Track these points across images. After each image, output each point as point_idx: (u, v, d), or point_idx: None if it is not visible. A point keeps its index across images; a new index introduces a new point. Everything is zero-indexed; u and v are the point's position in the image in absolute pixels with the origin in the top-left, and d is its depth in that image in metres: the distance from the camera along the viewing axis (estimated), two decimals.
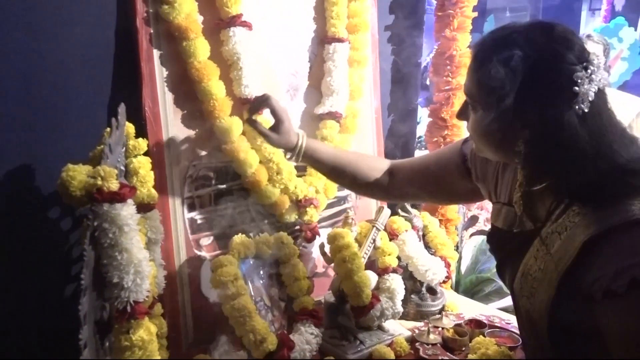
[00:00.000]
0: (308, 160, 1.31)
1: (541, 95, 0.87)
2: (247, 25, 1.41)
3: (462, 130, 1.86)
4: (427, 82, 2.58)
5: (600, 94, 0.88)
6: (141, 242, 0.92)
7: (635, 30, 5.51)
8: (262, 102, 1.28)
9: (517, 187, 0.99)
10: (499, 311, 1.68)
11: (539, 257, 0.95)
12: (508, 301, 2.11)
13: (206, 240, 1.43)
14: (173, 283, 1.35)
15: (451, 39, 1.82)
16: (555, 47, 0.87)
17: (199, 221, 1.41)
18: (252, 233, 1.44)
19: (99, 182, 0.87)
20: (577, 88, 0.85)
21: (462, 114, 1.01)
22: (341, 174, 1.30)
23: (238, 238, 1.36)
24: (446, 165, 1.23)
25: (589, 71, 0.86)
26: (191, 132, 1.40)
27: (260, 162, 1.44)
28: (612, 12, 6.11)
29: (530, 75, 0.86)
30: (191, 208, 1.40)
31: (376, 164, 1.33)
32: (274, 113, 1.27)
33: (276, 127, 1.27)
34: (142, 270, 0.89)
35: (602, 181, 0.88)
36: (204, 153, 1.42)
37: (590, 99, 0.86)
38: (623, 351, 0.84)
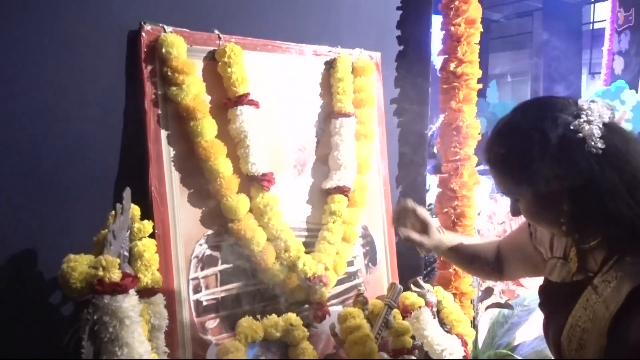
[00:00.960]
0: (442, 253, 1.35)
1: (558, 160, 0.93)
2: (254, 103, 1.42)
3: (472, 201, 1.84)
4: (435, 150, 2.59)
5: (611, 127, 0.94)
6: (143, 335, 0.87)
7: (637, 92, 5.59)
8: (405, 211, 1.30)
9: (573, 243, 1.06)
10: None
11: (588, 306, 0.97)
12: None
13: (212, 323, 1.37)
14: None
15: (457, 111, 1.82)
16: (545, 119, 0.95)
17: (204, 303, 1.37)
18: (260, 315, 1.38)
19: (101, 273, 0.84)
20: (580, 134, 0.92)
21: (515, 212, 1.07)
22: (469, 264, 1.37)
23: (245, 321, 1.31)
24: (524, 238, 1.27)
25: (583, 116, 0.94)
26: (198, 211, 1.38)
27: (268, 239, 1.41)
28: (612, 76, 6.23)
29: (541, 153, 0.94)
30: (197, 289, 1.36)
31: (490, 247, 1.36)
32: (420, 217, 1.29)
33: (425, 230, 1.30)
34: None
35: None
36: (210, 232, 1.39)
37: (598, 135, 0.93)
38: None
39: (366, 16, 1.81)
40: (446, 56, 1.85)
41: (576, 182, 0.93)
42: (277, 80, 1.55)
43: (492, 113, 7.61)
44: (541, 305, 1.16)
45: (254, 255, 1.40)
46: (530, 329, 2.12)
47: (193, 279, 1.35)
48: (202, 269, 1.37)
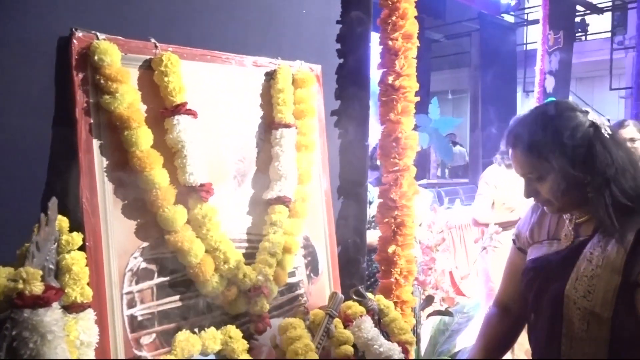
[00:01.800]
0: None
1: (584, 143, 1.21)
2: (191, 113, 1.40)
3: (411, 211, 1.87)
4: (378, 163, 2.63)
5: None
6: (67, 351, 0.83)
7: None
8: None
9: (568, 223, 1.32)
10: None
11: (593, 258, 1.21)
12: None
13: (147, 339, 1.32)
14: None
15: (396, 122, 1.87)
16: (568, 110, 1.26)
17: (139, 318, 1.32)
18: (198, 328, 1.34)
19: (20, 286, 0.80)
20: (596, 122, 1.24)
21: (531, 192, 1.30)
22: (498, 356, 1.51)
23: (181, 335, 1.27)
24: (517, 262, 1.48)
25: (590, 113, 1.27)
26: (132, 223, 1.34)
27: (206, 251, 1.39)
28: (544, 94, 6.56)
29: (572, 137, 1.21)
30: (131, 304, 1.31)
31: (497, 324, 1.51)
32: None
33: None
34: None
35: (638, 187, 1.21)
36: (145, 244, 1.35)
37: (608, 125, 1.25)
38: None
39: (307, 29, 1.83)
40: (385, 70, 1.89)
41: (597, 157, 1.20)
42: (217, 91, 1.54)
43: (434, 128, 7.84)
44: (529, 283, 1.36)
45: (191, 268, 1.36)
46: (470, 336, 2.17)
47: (127, 293, 1.30)
48: (137, 282, 1.32)
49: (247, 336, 1.44)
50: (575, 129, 1.22)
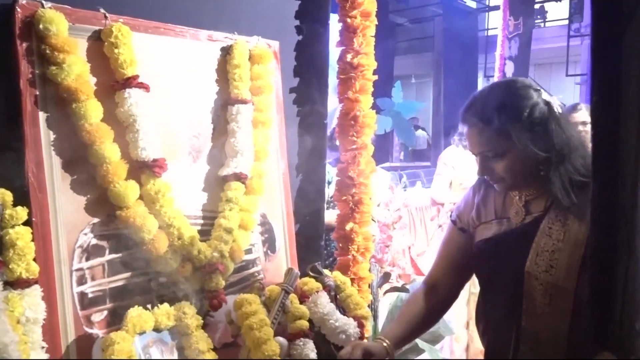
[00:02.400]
0: (397, 348, 1.47)
1: (540, 120, 1.23)
2: (143, 86, 1.37)
3: (369, 189, 1.89)
4: (337, 143, 2.64)
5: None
6: (7, 324, 0.81)
7: None
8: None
9: (517, 200, 1.33)
10: None
11: (553, 233, 1.23)
12: (424, 357, 2.10)
13: (99, 316, 1.30)
14: None
15: (354, 101, 1.87)
16: (525, 88, 1.26)
17: (90, 295, 1.29)
18: (151, 305, 1.33)
19: None
20: (549, 101, 1.25)
21: (485, 170, 1.29)
22: (418, 333, 1.54)
23: (134, 311, 1.26)
24: (457, 243, 1.47)
25: (541, 90, 1.27)
26: (82, 199, 1.31)
27: (160, 227, 1.37)
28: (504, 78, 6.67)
29: (530, 114, 1.22)
30: (81, 281, 1.28)
31: (422, 301, 1.49)
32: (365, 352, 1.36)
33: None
34: (8, 357, 0.78)
35: (586, 163, 1.21)
36: (96, 220, 1.32)
37: (559, 104, 1.26)
38: None
39: (264, 5, 1.80)
40: (343, 47, 1.89)
41: (552, 135, 1.22)
42: (170, 65, 1.50)
43: (397, 112, 7.91)
44: (482, 264, 1.38)
45: (144, 244, 1.34)
46: None
47: (77, 270, 1.27)
48: (88, 259, 1.30)
49: (203, 313, 1.44)
50: (534, 107, 1.23)
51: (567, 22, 9.91)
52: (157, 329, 1.29)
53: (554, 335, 1.23)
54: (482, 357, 3.00)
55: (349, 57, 1.86)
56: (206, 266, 1.43)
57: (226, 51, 1.63)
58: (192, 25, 1.56)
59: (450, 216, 1.51)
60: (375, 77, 1.91)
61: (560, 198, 1.22)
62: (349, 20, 1.85)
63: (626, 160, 0.67)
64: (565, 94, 11.41)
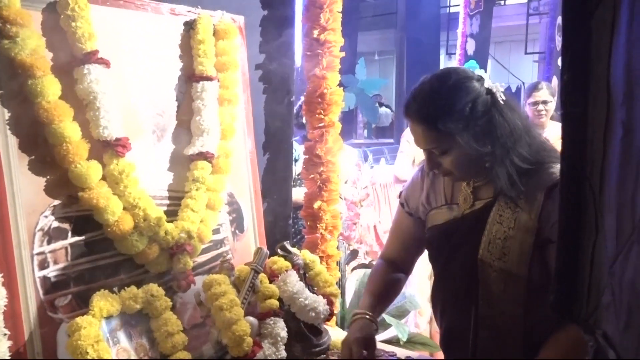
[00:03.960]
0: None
1: (484, 111, 1.20)
2: (104, 62, 1.31)
3: (336, 167, 1.89)
4: (304, 121, 2.62)
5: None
6: None
7: (486, 71, 6.15)
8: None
9: (465, 187, 1.32)
10: (382, 344, 1.69)
11: (504, 220, 1.24)
12: (391, 332, 2.14)
13: (63, 300, 1.27)
14: (23, 353, 1.17)
15: (321, 78, 1.85)
16: (465, 81, 1.21)
17: (53, 279, 1.25)
18: (117, 288, 1.30)
19: None
20: (492, 90, 1.21)
21: (432, 165, 1.28)
22: (385, 304, 1.53)
23: (99, 295, 1.23)
24: (405, 224, 1.49)
25: (485, 80, 1.23)
26: (41, 180, 1.25)
27: (125, 208, 1.33)
28: (466, 56, 6.74)
29: (472, 107, 1.19)
30: (43, 265, 1.24)
31: (382, 275, 1.52)
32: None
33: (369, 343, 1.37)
34: None
35: (533, 153, 1.22)
36: (57, 202, 1.28)
37: (502, 91, 1.22)
38: None
39: None
40: (309, 23, 1.86)
41: (496, 126, 1.20)
42: (131, 40, 1.45)
43: (360, 89, 7.89)
44: (436, 252, 1.39)
45: (109, 226, 1.31)
46: None
47: (38, 254, 1.23)
48: (49, 242, 1.25)
49: (171, 294, 1.42)
50: (475, 101, 1.19)
51: (526, 0, 10.05)
52: (124, 312, 1.26)
53: (510, 319, 1.24)
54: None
55: (315, 33, 1.84)
56: (174, 247, 1.41)
57: (190, 26, 1.58)
58: None
59: (399, 197, 1.52)
60: (343, 54, 1.90)
61: (506, 190, 1.22)
62: None
63: (594, 139, 0.68)
64: (524, 71, 11.65)
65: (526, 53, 9.66)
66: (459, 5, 7.17)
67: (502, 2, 11.30)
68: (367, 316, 1.40)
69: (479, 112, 1.19)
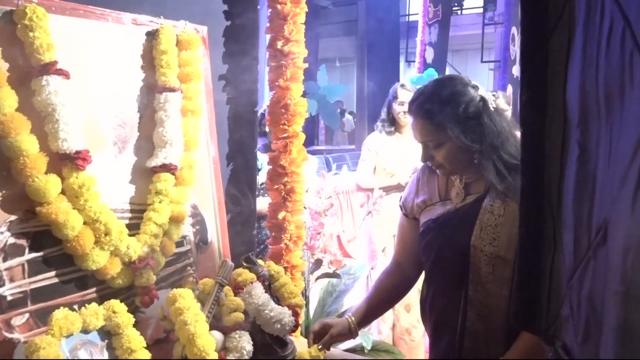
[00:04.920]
0: (366, 323, 1.64)
1: (476, 113, 1.36)
2: (63, 73, 1.28)
3: (301, 177, 1.90)
4: (266, 129, 2.62)
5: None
6: None
7: None
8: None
9: (458, 183, 1.45)
10: (345, 353, 1.70)
11: (495, 209, 1.37)
12: (356, 340, 2.15)
13: (20, 319, 1.22)
14: None
15: (285, 89, 1.86)
16: (463, 86, 1.40)
17: (9, 298, 1.21)
18: (78, 305, 1.27)
19: None
20: (485, 97, 1.38)
21: (427, 157, 1.43)
22: (385, 308, 1.70)
23: (59, 313, 1.19)
24: (407, 228, 1.60)
25: (479, 88, 1.40)
26: None
27: (85, 223, 1.30)
28: (425, 64, 6.88)
29: (466, 108, 1.35)
30: None
31: (389, 278, 1.62)
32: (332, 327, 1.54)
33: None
34: None
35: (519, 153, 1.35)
36: (13, 218, 1.23)
37: (493, 99, 1.39)
38: None
39: None
40: (273, 34, 1.87)
41: (486, 128, 1.34)
42: (92, 50, 1.41)
43: (322, 95, 7.95)
44: (430, 243, 1.48)
45: (69, 241, 1.27)
46: (356, 296, 2.28)
47: None
48: (5, 259, 1.21)
49: (133, 310, 1.39)
50: (469, 103, 1.36)
51: (481, 10, 10.35)
52: (85, 330, 1.23)
53: (497, 301, 1.37)
54: (407, 336, 3.12)
55: (279, 44, 1.85)
56: (136, 262, 1.38)
57: (152, 36, 1.56)
58: (114, 7, 1.48)
59: (400, 203, 1.63)
60: (306, 65, 1.91)
61: (495, 184, 1.35)
62: (279, 6, 1.83)
63: (552, 158, 0.71)
64: (480, 79, 11.96)
65: (482, 61, 9.95)
66: (417, 14, 7.32)
67: (459, 12, 11.61)
68: (349, 319, 1.55)
69: (471, 113, 1.35)
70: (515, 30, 7.23)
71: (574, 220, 0.63)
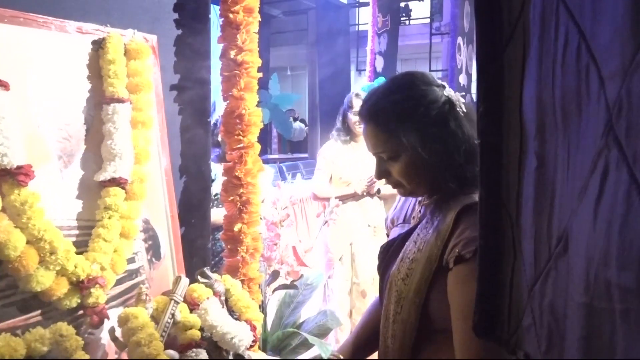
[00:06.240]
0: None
1: (438, 119, 1.11)
2: (2, 84, 1.21)
3: (257, 188, 1.87)
4: (219, 139, 2.57)
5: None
6: None
7: None
8: None
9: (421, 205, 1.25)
10: None
11: (418, 240, 1.14)
12: (314, 351, 2.13)
13: None
14: None
15: (239, 99, 1.83)
16: (423, 84, 1.14)
17: None
18: (20, 330, 1.19)
19: None
20: (452, 99, 1.12)
21: (382, 173, 1.18)
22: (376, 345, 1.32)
23: (1, 339, 1.11)
24: None
25: (446, 88, 1.15)
26: None
27: (28, 242, 1.22)
28: (375, 73, 6.99)
29: (426, 113, 1.10)
30: None
31: (373, 312, 1.44)
32: None
33: None
34: None
35: (466, 174, 1.11)
36: None
37: (463, 102, 1.13)
38: (461, 320, 0.97)
39: None
40: (226, 44, 1.83)
41: (451, 136, 1.10)
42: (34, 60, 1.34)
43: (274, 104, 7.93)
44: (380, 264, 1.30)
45: (10, 262, 1.19)
46: (313, 306, 2.26)
47: None
48: None
49: (82, 332, 1.32)
50: (430, 105, 1.10)
51: (429, 21, 10.62)
52: (29, 357, 1.15)
53: (400, 346, 1.15)
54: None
55: (232, 53, 1.81)
56: (84, 281, 1.31)
57: (98, 45, 1.50)
58: (58, 15, 1.41)
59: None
60: (260, 75, 1.89)
61: (449, 204, 1.13)
62: (231, 15, 1.80)
63: (510, 167, 0.72)
64: None
65: (430, 70, 10.19)
66: (367, 23, 7.42)
67: (407, 22, 11.86)
68: (334, 355, 1.44)
69: (432, 117, 1.10)
70: (460, 40, 7.46)
71: (533, 230, 0.64)
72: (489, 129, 0.75)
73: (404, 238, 1.22)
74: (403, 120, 1.10)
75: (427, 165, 1.12)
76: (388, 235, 1.40)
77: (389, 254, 1.26)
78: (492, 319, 0.74)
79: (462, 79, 7.46)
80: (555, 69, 0.59)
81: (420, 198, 1.25)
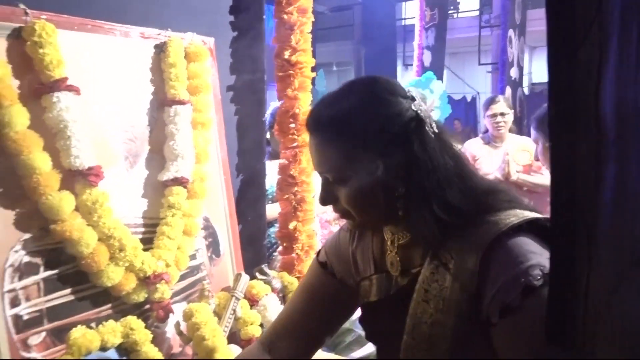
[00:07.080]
0: None
1: (399, 137, 0.86)
2: (73, 89, 1.27)
3: (311, 187, 1.89)
4: (268, 137, 2.60)
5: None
6: None
7: (442, 82, 6.30)
8: None
9: (390, 247, 0.95)
10: None
11: (430, 298, 0.86)
12: (369, 348, 2.14)
13: (36, 339, 1.21)
14: None
15: (293, 98, 1.85)
16: (385, 93, 0.88)
17: (25, 317, 1.19)
18: (95, 322, 1.25)
19: None
20: (420, 114, 0.87)
21: (328, 198, 0.91)
22: None
23: (77, 332, 1.18)
24: (318, 288, 1.09)
25: (417, 99, 0.89)
26: (10, 213, 1.20)
27: (99, 239, 1.29)
28: (422, 67, 6.89)
29: (383, 129, 0.86)
30: (15, 303, 1.18)
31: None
32: None
33: None
34: None
35: (469, 202, 0.87)
36: (27, 236, 1.22)
37: (435, 120, 0.89)
38: None
39: (197, 0, 1.73)
40: (280, 44, 1.86)
41: (415, 161, 0.86)
42: (101, 65, 1.40)
43: None
44: (369, 336, 1.06)
45: (83, 258, 1.26)
46: None
47: (9, 291, 1.17)
48: (21, 278, 1.19)
49: (149, 325, 1.38)
50: (390, 120, 0.86)
51: (478, 13, 10.39)
52: (103, 348, 1.22)
53: None
54: None
55: (286, 54, 1.84)
56: (151, 277, 1.37)
57: (160, 49, 1.55)
58: (121, 21, 1.47)
59: (317, 255, 1.13)
60: (314, 74, 1.91)
61: (431, 248, 0.88)
62: (285, 16, 1.83)
63: (586, 175, 0.70)
64: (478, 82, 11.99)
65: (480, 64, 9.97)
66: (414, 17, 7.34)
67: (455, 15, 11.64)
68: None
69: (392, 134, 0.86)
70: (512, 33, 7.26)
71: (612, 237, 0.63)
72: (562, 133, 0.73)
73: (399, 296, 0.94)
74: (354, 134, 0.86)
75: (381, 193, 0.87)
76: (330, 273, 1.08)
77: (386, 318, 0.97)
78: (566, 328, 0.73)
79: (514, 72, 7.25)
80: (638, 73, 0.57)
81: (386, 236, 0.97)
